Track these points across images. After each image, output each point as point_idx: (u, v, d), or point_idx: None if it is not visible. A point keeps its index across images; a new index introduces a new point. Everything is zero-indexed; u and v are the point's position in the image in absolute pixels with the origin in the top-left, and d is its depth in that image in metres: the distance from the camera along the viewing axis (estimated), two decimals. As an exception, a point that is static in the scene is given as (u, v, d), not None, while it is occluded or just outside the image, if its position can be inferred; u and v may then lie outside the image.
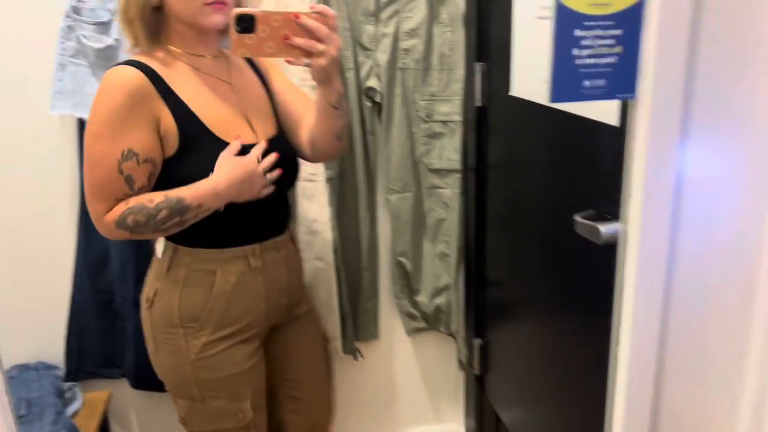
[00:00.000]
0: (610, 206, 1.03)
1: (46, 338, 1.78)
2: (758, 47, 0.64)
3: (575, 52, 0.67)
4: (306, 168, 1.58)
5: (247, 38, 1.07)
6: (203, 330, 1.26)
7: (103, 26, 1.55)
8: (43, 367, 1.75)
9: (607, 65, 0.67)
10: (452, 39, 1.73)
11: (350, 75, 1.71)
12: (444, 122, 1.79)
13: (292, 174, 1.34)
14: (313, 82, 1.21)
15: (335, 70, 1.17)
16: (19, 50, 1.59)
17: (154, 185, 1.19)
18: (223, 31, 1.22)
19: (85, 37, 1.54)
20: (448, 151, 1.80)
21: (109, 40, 1.55)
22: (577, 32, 0.67)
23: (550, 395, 1.43)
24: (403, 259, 1.86)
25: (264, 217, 1.30)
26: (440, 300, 1.89)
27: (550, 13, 0.66)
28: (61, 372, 1.77)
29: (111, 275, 1.74)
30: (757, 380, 0.67)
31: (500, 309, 1.73)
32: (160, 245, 1.30)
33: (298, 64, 1.14)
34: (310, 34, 1.09)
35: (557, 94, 0.67)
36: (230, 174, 1.17)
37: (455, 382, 2.06)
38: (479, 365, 1.87)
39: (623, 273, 0.74)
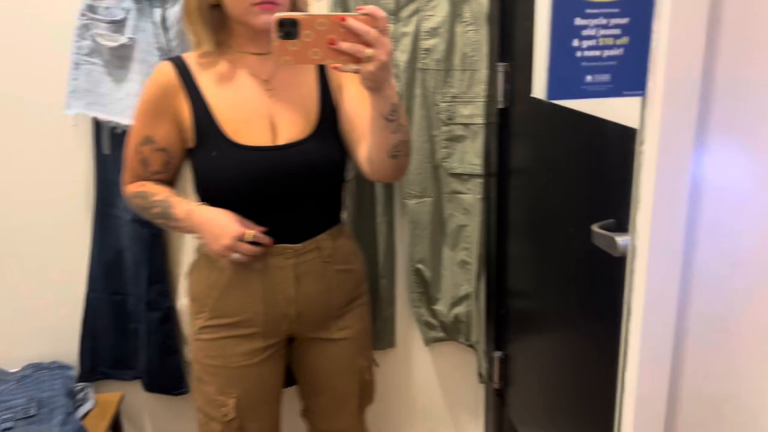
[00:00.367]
0: (629, 216, 0.95)
1: (62, 338, 1.78)
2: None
3: (575, 43, 0.60)
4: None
5: (290, 44, 0.99)
6: (201, 313, 1.32)
7: (118, 25, 1.54)
8: (57, 367, 1.75)
9: (611, 58, 0.60)
10: (475, 38, 1.66)
11: (368, 75, 1.66)
12: (466, 125, 1.72)
13: (317, 183, 1.28)
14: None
15: (387, 77, 1.05)
16: (35, 49, 1.60)
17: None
18: None
19: (100, 35, 1.53)
20: (470, 155, 1.73)
21: (123, 39, 1.54)
22: (578, 21, 0.59)
23: (572, 413, 1.35)
24: (421, 267, 1.80)
25: (276, 223, 1.26)
26: (460, 309, 1.82)
27: None
28: (75, 372, 1.76)
29: (125, 276, 1.73)
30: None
31: (521, 321, 1.65)
32: None
33: (345, 71, 1.04)
34: (358, 37, 1.00)
35: (554, 91, 0.60)
36: (210, 221, 1.22)
37: (475, 395, 1.98)
38: (499, 379, 1.79)
39: (631, 292, 0.66)
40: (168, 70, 1.24)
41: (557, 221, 1.40)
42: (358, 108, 1.25)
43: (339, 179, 1.33)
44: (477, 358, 1.86)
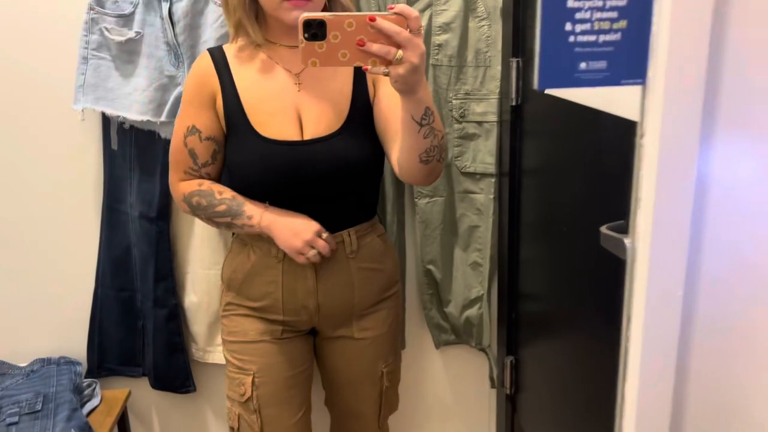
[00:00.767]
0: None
1: (71, 334, 1.78)
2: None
3: (568, 27, 0.55)
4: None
5: (317, 46, 0.95)
6: (229, 291, 1.37)
7: (126, 19, 1.53)
8: (65, 362, 1.75)
9: (608, 43, 0.55)
10: (489, 34, 1.61)
11: (378, 71, 1.62)
12: (479, 123, 1.67)
13: (342, 179, 1.25)
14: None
15: (419, 79, 1.00)
16: (43, 44, 1.59)
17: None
18: None
19: (107, 29, 1.52)
20: (483, 154, 1.68)
21: (130, 33, 1.53)
22: (571, 2, 0.54)
23: (585, 422, 1.30)
24: (432, 268, 1.75)
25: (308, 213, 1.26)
26: (471, 312, 1.77)
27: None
28: (82, 368, 1.76)
29: (132, 272, 1.72)
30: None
31: (534, 325, 1.60)
32: None
33: (375, 73, 1.00)
34: (389, 38, 0.95)
35: (545, 79, 0.55)
36: (287, 219, 1.23)
37: (487, 399, 1.93)
38: (510, 384, 1.74)
39: (630, 298, 0.61)
40: (205, 59, 1.27)
41: (571, 222, 1.35)
42: (394, 106, 1.19)
43: (368, 177, 1.30)
44: (488, 362, 1.80)
